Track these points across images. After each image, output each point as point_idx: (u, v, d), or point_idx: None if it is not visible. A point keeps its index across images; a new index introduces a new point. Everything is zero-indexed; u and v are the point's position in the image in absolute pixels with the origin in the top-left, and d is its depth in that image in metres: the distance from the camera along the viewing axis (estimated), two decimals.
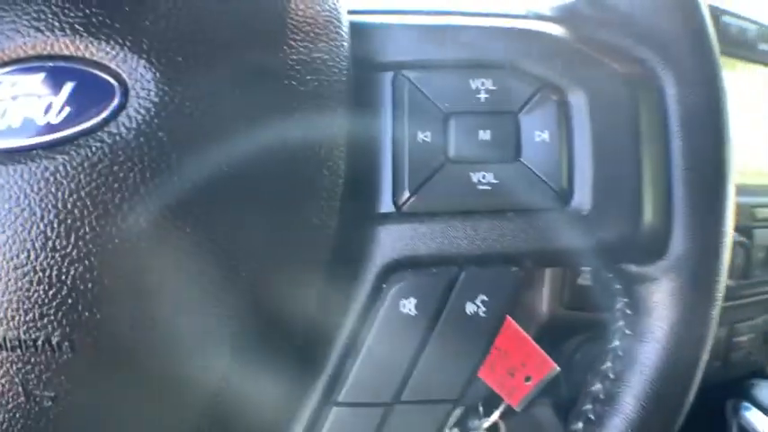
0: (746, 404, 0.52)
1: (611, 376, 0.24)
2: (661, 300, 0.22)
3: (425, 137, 0.20)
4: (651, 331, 0.23)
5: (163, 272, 0.17)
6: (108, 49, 0.17)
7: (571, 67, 0.21)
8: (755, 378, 0.56)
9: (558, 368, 0.31)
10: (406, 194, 0.20)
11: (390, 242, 0.20)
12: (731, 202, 0.23)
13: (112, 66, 0.17)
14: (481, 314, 0.20)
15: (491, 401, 0.44)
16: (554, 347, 0.48)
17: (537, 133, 0.20)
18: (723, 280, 0.23)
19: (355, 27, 0.21)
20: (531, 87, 0.20)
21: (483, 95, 0.20)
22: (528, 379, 0.34)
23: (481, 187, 0.20)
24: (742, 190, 0.54)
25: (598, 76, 0.21)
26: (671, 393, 0.23)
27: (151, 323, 0.17)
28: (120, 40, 0.17)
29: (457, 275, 0.20)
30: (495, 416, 0.40)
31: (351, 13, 0.21)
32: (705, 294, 0.22)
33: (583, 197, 0.20)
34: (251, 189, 0.18)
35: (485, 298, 0.20)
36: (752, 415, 0.51)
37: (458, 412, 0.48)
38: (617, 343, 0.24)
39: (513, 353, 0.33)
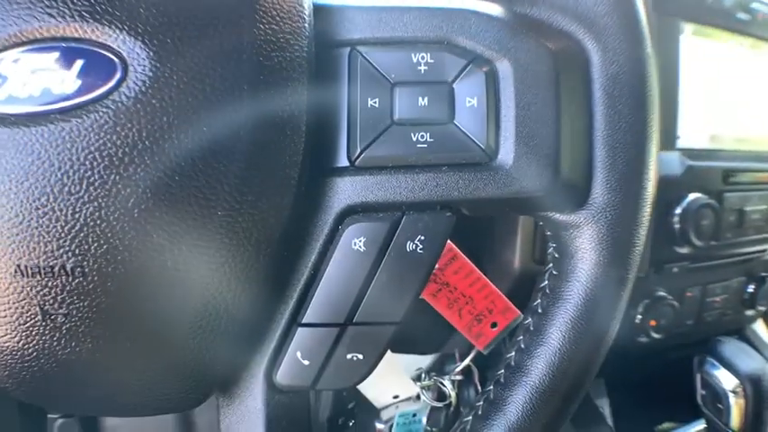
0: (710, 359, 0.55)
1: (540, 311, 0.27)
2: (582, 244, 0.26)
3: (374, 103, 0.24)
4: (573, 271, 0.26)
5: (156, 211, 0.21)
6: (110, 32, 0.20)
7: (500, 41, 0.24)
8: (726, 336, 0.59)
9: (522, 315, 0.35)
10: (358, 151, 0.24)
11: (345, 191, 0.24)
12: (652, 160, 0.26)
13: (114, 46, 0.20)
14: (419, 251, 0.24)
15: (467, 350, 0.48)
16: (527, 301, 0.51)
17: (468, 99, 0.24)
18: (644, 229, 0.26)
19: (317, 8, 0.24)
20: (464, 60, 0.24)
21: (423, 68, 0.24)
22: (494, 325, 0.38)
23: (420, 145, 0.24)
24: (715, 155, 0.57)
25: (524, 48, 0.24)
26: (592, 327, 0.26)
27: (149, 252, 0.21)
28: (120, 25, 0.20)
29: (400, 219, 0.24)
30: (467, 360, 0.44)
31: None
32: (624, 240, 0.26)
33: (506, 153, 0.24)
34: (227, 144, 0.22)
35: (422, 238, 0.24)
36: (715, 369, 0.54)
37: (434, 359, 0.53)
38: (546, 282, 0.28)
39: (479, 301, 0.37)
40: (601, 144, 0.25)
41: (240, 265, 0.23)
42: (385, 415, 0.50)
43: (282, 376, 0.25)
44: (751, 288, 0.61)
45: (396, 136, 0.24)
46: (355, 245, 0.24)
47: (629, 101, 0.25)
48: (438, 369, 0.51)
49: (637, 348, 0.55)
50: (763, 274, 0.62)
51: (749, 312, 0.62)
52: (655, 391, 0.60)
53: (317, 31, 0.24)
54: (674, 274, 0.54)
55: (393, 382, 0.49)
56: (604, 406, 0.60)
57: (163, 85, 0.20)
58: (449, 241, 0.36)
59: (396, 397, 0.50)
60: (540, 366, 0.26)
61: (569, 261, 0.26)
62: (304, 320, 0.25)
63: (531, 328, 0.27)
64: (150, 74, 0.20)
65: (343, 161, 0.24)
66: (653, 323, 0.53)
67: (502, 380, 0.28)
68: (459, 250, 0.35)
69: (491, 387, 0.28)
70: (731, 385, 0.51)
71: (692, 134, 0.55)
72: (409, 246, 0.24)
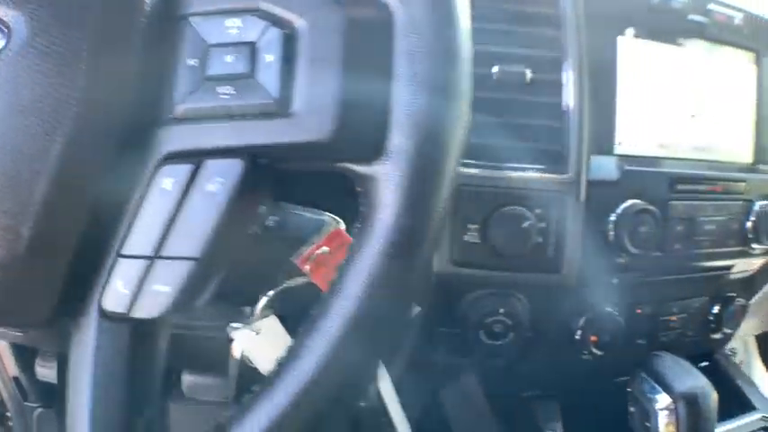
0: (643, 374, 0.51)
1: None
2: (383, 195, 0.27)
3: (194, 62, 0.27)
4: (375, 221, 0.27)
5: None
6: (2, 7, 0.26)
7: (302, 5, 0.27)
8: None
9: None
10: (177, 104, 0.28)
11: (167, 140, 0.27)
12: (451, 116, 0.27)
13: (4, 18, 0.26)
14: (217, 192, 0.27)
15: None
16: (450, 305, 0.51)
17: (266, 56, 0.27)
18: (444, 178, 0.27)
19: None
20: (267, 22, 0.27)
21: (234, 31, 0.27)
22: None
23: (223, 97, 0.27)
24: (661, 162, 0.54)
25: (323, 11, 0.27)
26: (395, 275, 0.27)
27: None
28: (10, 2, 0.26)
29: (203, 163, 0.27)
30: (259, 307, 0.43)
31: None
32: (423, 189, 0.27)
33: (300, 104, 0.26)
34: (64, 96, 0.26)
35: (222, 180, 0.27)
36: (647, 385, 0.50)
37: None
38: (353, 239, 0.29)
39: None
40: (399, 97, 0.26)
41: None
42: None
43: (106, 302, 0.28)
44: (716, 309, 0.56)
45: (206, 90, 0.27)
46: (165, 185, 0.27)
47: (430, 61, 0.26)
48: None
49: (584, 367, 0.52)
50: (730, 294, 0.56)
51: (716, 336, 0.57)
52: (610, 414, 0.55)
53: (160, 6, 0.28)
54: (621, 289, 0.51)
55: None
56: (557, 429, 0.56)
57: (38, 52, 0.25)
58: (344, 232, 0.39)
59: None
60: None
61: (372, 212, 0.27)
62: (122, 251, 0.28)
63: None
64: (24, 38, 0.25)
65: (167, 114, 0.28)
66: (594, 339, 0.50)
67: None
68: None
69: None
70: (662, 404, 0.46)
71: (635, 140, 0.53)
72: (209, 187, 0.27)
